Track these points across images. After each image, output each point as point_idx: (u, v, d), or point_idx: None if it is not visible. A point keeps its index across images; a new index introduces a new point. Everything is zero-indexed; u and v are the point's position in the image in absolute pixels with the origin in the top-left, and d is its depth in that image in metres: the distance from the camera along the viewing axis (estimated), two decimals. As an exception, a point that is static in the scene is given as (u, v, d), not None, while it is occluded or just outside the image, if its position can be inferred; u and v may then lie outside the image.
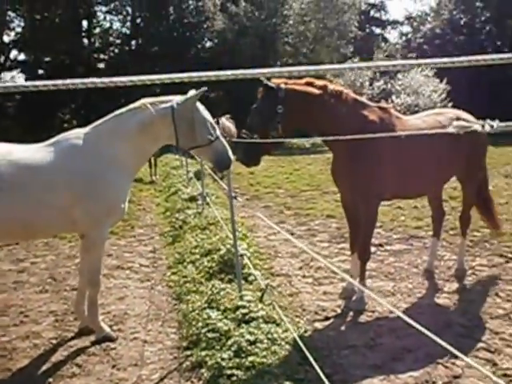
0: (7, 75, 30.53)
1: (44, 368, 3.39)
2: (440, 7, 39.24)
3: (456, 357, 3.27)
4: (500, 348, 3.43)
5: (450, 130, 1.82)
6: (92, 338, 3.74)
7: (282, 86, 3.84)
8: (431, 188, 4.71)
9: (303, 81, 3.95)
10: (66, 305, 4.46)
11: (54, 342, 3.75)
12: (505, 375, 3.10)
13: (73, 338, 3.80)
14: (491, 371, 3.14)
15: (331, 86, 3.99)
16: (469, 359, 2.92)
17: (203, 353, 3.26)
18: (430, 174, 4.33)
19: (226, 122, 11.87)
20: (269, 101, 3.84)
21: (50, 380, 3.24)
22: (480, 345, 3.49)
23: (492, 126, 1.38)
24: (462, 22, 36.66)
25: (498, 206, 7.78)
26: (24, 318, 4.18)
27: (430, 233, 5.83)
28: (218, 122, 9.25)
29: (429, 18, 41.32)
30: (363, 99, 4.23)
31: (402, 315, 1.75)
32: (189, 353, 3.43)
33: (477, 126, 1.45)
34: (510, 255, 5.40)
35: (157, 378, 3.23)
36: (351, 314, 4.09)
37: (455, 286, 4.64)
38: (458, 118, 4.36)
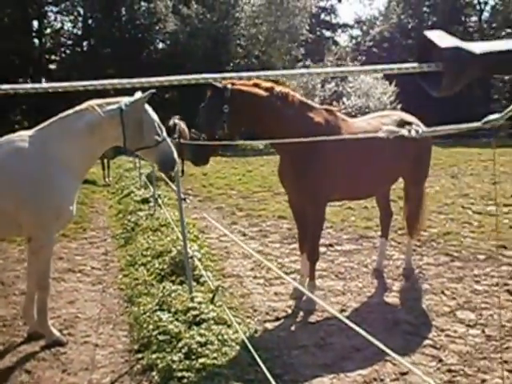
0: None
1: (-10, 375, 3.25)
2: (388, 11, 40.62)
3: (403, 354, 3.37)
4: (445, 344, 3.54)
5: (380, 134, 1.89)
6: (42, 342, 3.62)
7: (229, 86, 3.85)
8: (378, 189, 4.82)
9: (251, 82, 3.95)
10: (15, 309, 4.29)
11: (1, 347, 3.61)
12: (449, 371, 3.21)
13: (22, 344, 3.66)
14: (437, 367, 3.26)
15: (278, 88, 4.00)
16: (414, 356, 3.03)
17: (154, 355, 3.21)
18: (375, 175, 4.43)
19: (182, 123, 11.79)
20: (215, 100, 3.86)
21: (-4, 389, 3.11)
22: (426, 342, 3.59)
23: (417, 132, 1.45)
24: (409, 26, 38.08)
25: (445, 206, 8.18)
26: (-30, 324, 3.99)
27: (380, 233, 6.03)
28: (174, 124, 9.11)
29: (378, 22, 42.66)
30: (309, 101, 4.28)
31: (343, 318, 1.79)
32: (140, 356, 3.36)
33: (404, 131, 1.51)
34: (455, 254, 5.63)
35: (108, 382, 3.16)
36: (302, 314, 4.13)
37: (403, 284, 4.78)
38: (402, 121, 4.52)
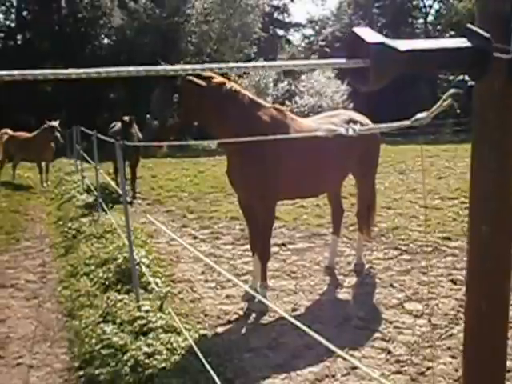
0: None
1: None
2: (340, 12, 41.63)
3: (354, 349, 3.49)
4: (394, 336, 3.68)
5: (319, 133, 1.93)
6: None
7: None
8: (326, 187, 4.89)
9: (205, 74, 3.90)
10: None
11: None
12: (397, 361, 3.34)
13: None
14: (385, 359, 3.37)
15: (229, 84, 3.99)
16: (365, 349, 3.06)
17: (97, 371, 3.11)
18: (323, 173, 4.49)
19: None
20: (166, 89, 3.85)
21: None
22: (376, 335, 3.71)
23: (354, 130, 1.50)
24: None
25: (393, 202, 8.43)
26: None
27: (331, 230, 6.13)
28: (130, 124, 8.84)
29: (330, 22, 43.56)
30: (259, 100, 4.28)
31: (290, 318, 1.79)
32: (81, 373, 3.24)
33: (342, 129, 1.57)
34: (403, 248, 5.83)
35: (44, 405, 3.02)
36: (254, 315, 4.13)
37: (354, 280, 4.90)
38: (350, 120, 4.61)
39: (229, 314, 4.19)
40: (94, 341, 3.43)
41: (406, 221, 7.05)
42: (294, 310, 4.24)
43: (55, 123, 11.61)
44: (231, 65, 1.15)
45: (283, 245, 6.16)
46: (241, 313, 4.21)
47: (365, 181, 5.06)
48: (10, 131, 12.22)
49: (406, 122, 1.28)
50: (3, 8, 31.10)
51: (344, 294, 4.58)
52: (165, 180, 11.90)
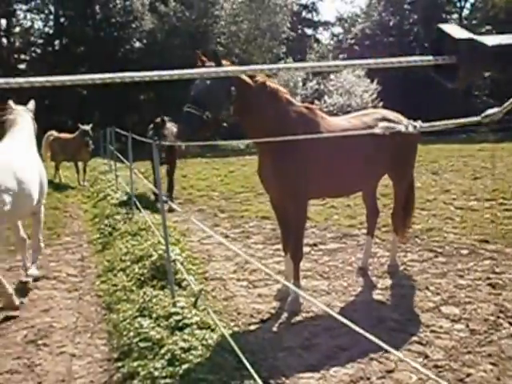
0: None
1: (-41, 390, 3.17)
2: (370, 9, 40.96)
3: (389, 352, 3.44)
4: (431, 340, 3.58)
5: (376, 130, 1.90)
6: (15, 355, 3.57)
7: None
8: (359, 186, 4.85)
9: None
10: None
11: (-29, 361, 3.52)
12: (435, 366, 3.25)
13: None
14: (423, 363, 3.28)
15: (271, 84, 4.00)
16: (401, 353, 3.04)
17: (135, 363, 3.16)
18: (356, 172, 4.46)
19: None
20: (224, 81, 3.73)
21: (-33, 403, 3.03)
22: (412, 338, 3.63)
23: (415, 127, 1.46)
24: (391, 24, 38.47)
25: (427, 202, 8.29)
26: None
27: (364, 231, 6.06)
28: (162, 125, 8.66)
29: (359, 20, 42.99)
30: (292, 99, 4.28)
31: (335, 314, 1.79)
32: (120, 364, 3.30)
33: (401, 126, 1.52)
34: (438, 250, 5.71)
35: (85, 393, 3.10)
36: (286, 315, 4.12)
37: (388, 282, 4.82)
38: (384, 119, 4.56)
39: (261, 312, 4.20)
40: (131, 334, 3.50)
41: (440, 222, 6.93)
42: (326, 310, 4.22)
43: (87, 127, 11.81)
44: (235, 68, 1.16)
45: (314, 245, 6.14)
46: (273, 312, 4.21)
47: (400, 181, 4.97)
48: (55, 133, 12.60)
49: (476, 118, 1.23)
50: (42, 16, 32.10)
51: (378, 296, 4.51)
52: (195, 180, 12.02)
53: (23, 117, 5.26)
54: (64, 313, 4.33)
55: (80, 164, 12.37)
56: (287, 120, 3.98)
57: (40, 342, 3.77)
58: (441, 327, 3.80)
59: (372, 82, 28.32)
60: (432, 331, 3.74)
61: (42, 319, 4.18)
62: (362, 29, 40.22)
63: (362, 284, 4.80)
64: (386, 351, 3.40)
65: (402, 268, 5.15)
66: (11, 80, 1.02)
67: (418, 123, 1.50)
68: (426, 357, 3.38)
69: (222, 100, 3.78)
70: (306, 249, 5.61)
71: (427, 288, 4.60)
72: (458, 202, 8.19)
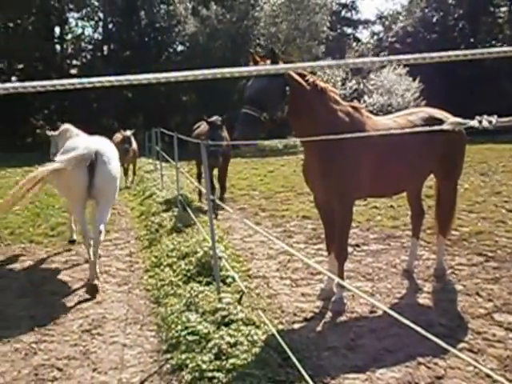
0: None
1: (25, 372, 3.34)
2: (412, 5, 39.86)
3: (438, 357, 3.32)
4: (483, 348, 3.44)
5: (445, 126, 1.85)
6: (72, 342, 3.75)
7: None
8: (406, 186, 4.76)
9: (297, 71, 3.87)
10: (45, 309, 4.39)
11: (35, 346, 3.71)
12: (489, 376, 3.06)
13: (52, 342, 3.75)
14: (475, 372, 3.16)
15: (321, 84, 3.99)
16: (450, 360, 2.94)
17: (183, 356, 3.23)
18: (403, 172, 4.37)
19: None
20: (278, 80, 3.70)
21: (32, 383, 3.18)
22: (462, 345, 3.50)
23: (490, 122, 1.38)
24: (434, 20, 37.34)
25: (475, 204, 8.02)
26: (4, 323, 4.13)
27: (408, 232, 5.94)
28: (221, 126, 7.80)
29: (400, 17, 41.99)
30: (339, 98, 4.25)
31: (396, 315, 1.77)
32: (169, 356, 3.39)
33: (473, 122, 1.45)
34: (489, 254, 5.49)
35: (137, 381, 3.19)
36: (330, 315, 4.10)
37: (435, 285, 4.69)
38: (431, 118, 4.46)
39: (305, 311, 4.19)
40: (179, 327, 3.57)
41: (491, 225, 6.68)
42: (371, 312, 4.17)
43: (128, 133, 11.82)
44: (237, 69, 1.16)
45: (357, 246, 6.07)
46: (317, 311, 4.19)
47: (447, 182, 4.82)
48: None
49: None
50: (92, 23, 33.26)
51: (424, 300, 4.39)
52: (236, 179, 12.11)
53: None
54: (115, 305, 4.47)
55: (125, 165, 12.45)
56: (335, 120, 3.95)
57: (94, 331, 3.93)
58: (494, 335, 3.64)
59: (414, 80, 27.65)
60: (484, 339, 3.58)
61: (95, 310, 4.35)
62: (403, 26, 39.27)
63: (408, 287, 4.69)
64: (435, 356, 3.33)
65: (449, 272, 5.00)
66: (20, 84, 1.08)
67: (494, 118, 1.42)
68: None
69: (277, 100, 3.73)
70: (348, 249, 5.56)
71: (478, 293, 4.42)
72: (511, 205, 7.86)
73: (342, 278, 4.27)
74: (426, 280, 4.83)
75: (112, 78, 1.11)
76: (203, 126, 8.41)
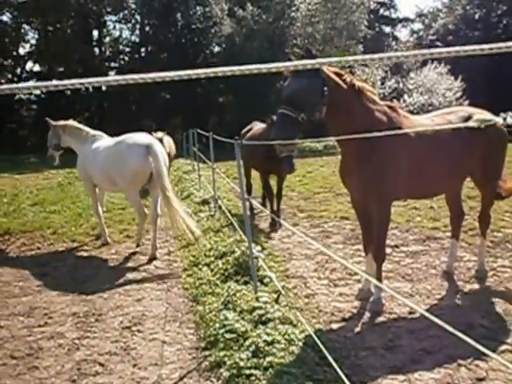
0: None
1: (68, 366, 3.49)
2: (453, 2, 38.89)
3: (480, 359, 3.27)
4: (526, 351, 3.35)
5: (471, 124, 1.84)
6: (113, 338, 3.88)
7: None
8: (445, 187, 4.68)
9: (332, 70, 3.85)
10: (87, 307, 4.56)
11: (77, 342, 3.86)
12: None
13: (94, 339, 3.90)
14: (518, 376, 3.09)
15: (359, 83, 3.97)
16: (492, 362, 2.90)
17: (221, 353, 3.31)
18: (442, 172, 4.30)
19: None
20: (316, 79, 3.66)
21: (75, 378, 3.33)
22: (505, 347, 3.43)
23: None
24: (476, 17, 36.29)
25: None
26: (48, 320, 4.31)
27: (448, 234, 5.82)
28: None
29: (441, 14, 41.03)
30: (376, 98, 4.21)
31: (433, 317, 1.77)
32: (207, 353, 3.47)
33: (498, 119, 1.45)
34: (532, 256, 5.32)
35: (177, 378, 3.28)
36: (368, 315, 4.09)
37: (476, 287, 4.60)
38: (470, 117, 4.36)
39: (343, 311, 4.19)
40: (217, 325, 3.65)
41: (537, 227, 6.46)
42: (410, 312, 4.12)
43: (160, 135, 10.78)
44: (235, 68, 1.19)
45: (396, 246, 6.00)
46: (355, 311, 4.19)
47: (488, 182, 4.71)
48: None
49: None
50: (129, 25, 34.08)
51: (465, 301, 4.32)
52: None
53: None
54: (154, 303, 4.60)
55: None
56: (372, 120, 3.93)
57: (134, 328, 4.06)
58: (536, 337, 3.55)
59: (456, 79, 26.94)
60: (526, 341, 3.50)
61: (135, 308, 4.48)
62: (444, 24, 38.36)
63: (448, 288, 4.62)
64: (476, 358, 3.27)
65: (491, 274, 4.88)
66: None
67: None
68: (522, 369, 3.19)
69: (316, 100, 3.68)
70: (387, 250, 5.49)
71: (521, 295, 4.31)
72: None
73: (379, 278, 4.25)
74: (467, 282, 4.74)
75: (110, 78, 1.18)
76: (257, 128, 7.57)
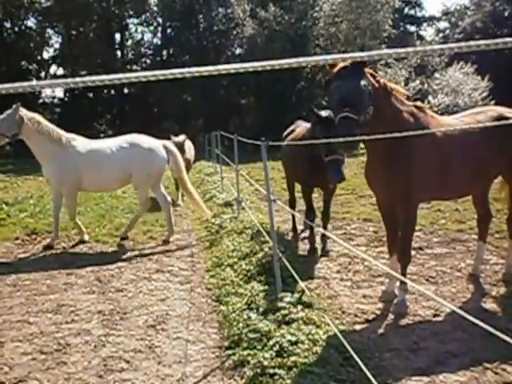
0: (48, 90, 32.58)
1: (95, 362, 3.59)
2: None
3: (507, 363, 3.25)
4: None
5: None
6: (138, 336, 3.98)
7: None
8: (473, 188, 4.65)
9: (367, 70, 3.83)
10: (112, 305, 4.67)
11: (103, 339, 3.96)
12: None
13: (119, 336, 4.00)
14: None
15: (390, 84, 3.99)
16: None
17: (245, 352, 3.37)
18: (471, 173, 4.28)
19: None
20: (365, 80, 3.64)
21: (102, 373, 3.43)
22: (532, 352, 3.41)
23: None
24: (505, 14, 35.61)
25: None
26: (75, 317, 4.44)
27: (474, 236, 5.78)
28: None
29: (468, 12, 40.40)
30: (403, 98, 4.21)
31: (467, 316, 1.80)
32: (230, 352, 3.54)
33: None
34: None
35: (200, 375, 3.36)
36: (392, 317, 4.10)
37: (503, 290, 4.56)
38: (501, 117, 4.33)
39: (366, 313, 4.21)
40: (240, 325, 3.72)
41: None
42: (434, 315, 4.12)
43: (181, 138, 10.01)
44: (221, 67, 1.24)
45: (420, 249, 5.98)
46: (378, 313, 4.20)
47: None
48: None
49: None
50: (151, 28, 34.53)
51: (491, 305, 4.28)
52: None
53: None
54: (178, 302, 4.69)
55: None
56: (400, 120, 3.94)
57: (158, 326, 4.15)
58: None
59: (483, 79, 26.50)
60: (556, 346, 3.47)
61: (159, 307, 4.58)
62: (471, 22, 37.75)
63: (473, 291, 4.59)
64: (503, 362, 3.26)
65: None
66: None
67: None
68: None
69: (368, 102, 3.64)
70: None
71: (549, 299, 4.25)
72: None
73: (405, 282, 4.24)
74: (494, 285, 4.70)
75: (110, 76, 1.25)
76: (300, 129, 6.25)
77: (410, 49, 1.31)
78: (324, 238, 6.01)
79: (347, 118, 3.50)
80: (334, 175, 4.90)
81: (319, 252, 5.98)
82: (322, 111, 5.20)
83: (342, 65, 3.70)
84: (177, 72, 1.26)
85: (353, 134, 3.46)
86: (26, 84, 1.24)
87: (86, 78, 1.27)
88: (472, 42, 1.20)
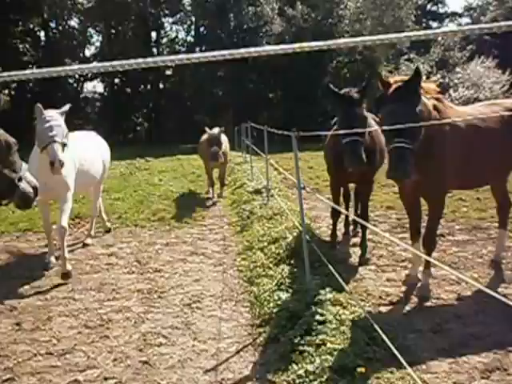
0: (89, 85, 33.35)
1: (135, 337, 3.66)
2: (504, -6, 36.76)
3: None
4: None
5: None
6: (174, 314, 4.01)
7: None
8: (495, 177, 4.52)
9: (394, 80, 3.76)
10: (150, 284, 4.74)
11: (142, 315, 4.03)
12: None
13: (157, 313, 4.06)
14: None
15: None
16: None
17: (276, 330, 3.38)
18: (493, 161, 4.17)
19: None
20: (420, 104, 3.56)
21: (141, 347, 3.49)
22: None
23: None
24: (528, 9, 34.16)
25: None
26: (116, 295, 4.53)
27: (495, 224, 5.60)
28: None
29: (491, 7, 38.96)
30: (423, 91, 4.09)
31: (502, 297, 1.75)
32: (262, 330, 3.55)
33: None
34: None
35: (233, 351, 3.38)
36: (416, 300, 4.04)
37: (524, 277, 4.42)
38: None
39: (390, 295, 4.15)
40: (271, 305, 3.73)
41: None
42: (457, 299, 4.04)
43: (216, 131, 8.66)
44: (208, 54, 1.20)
45: (442, 236, 5.83)
46: (402, 296, 4.14)
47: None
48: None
49: None
50: (185, 26, 34.71)
51: (513, 290, 4.17)
52: (321, 171, 12.02)
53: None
54: (212, 283, 4.73)
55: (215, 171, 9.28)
56: (426, 112, 3.84)
57: (194, 305, 4.19)
58: None
59: (504, 72, 25.58)
60: None
61: (194, 287, 4.62)
62: (493, 17, 36.34)
63: (495, 277, 4.48)
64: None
65: (540, 264, 4.68)
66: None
67: None
68: None
69: (421, 129, 3.49)
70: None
71: None
72: None
73: (428, 265, 4.18)
74: (516, 271, 4.56)
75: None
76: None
77: (429, 31, 1.26)
78: (363, 244, 5.16)
79: (403, 149, 3.37)
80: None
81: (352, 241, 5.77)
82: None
83: (396, 85, 3.51)
84: (210, 55, 1.24)
85: (408, 164, 3.34)
86: (68, 68, 1.26)
87: (119, 62, 1.26)
88: (475, 26, 1.13)
